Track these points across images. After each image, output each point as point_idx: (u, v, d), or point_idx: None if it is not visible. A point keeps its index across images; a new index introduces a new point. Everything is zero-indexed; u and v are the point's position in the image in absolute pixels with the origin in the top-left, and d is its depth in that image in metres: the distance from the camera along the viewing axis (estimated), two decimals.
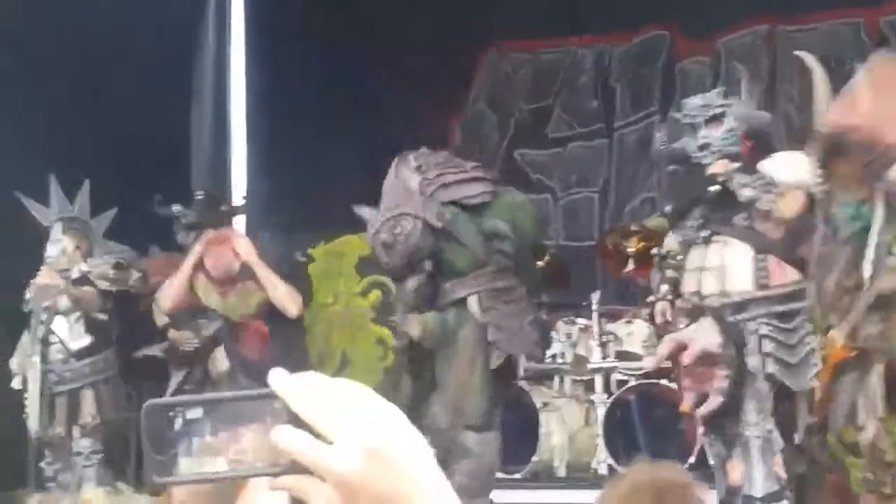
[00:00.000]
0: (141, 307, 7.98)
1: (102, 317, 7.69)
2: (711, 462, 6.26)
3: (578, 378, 8.99)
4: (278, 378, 1.10)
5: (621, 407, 8.73)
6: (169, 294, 7.55)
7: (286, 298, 7.43)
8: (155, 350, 8.17)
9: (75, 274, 7.66)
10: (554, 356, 9.06)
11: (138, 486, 7.29)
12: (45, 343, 7.59)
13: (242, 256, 7.49)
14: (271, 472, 1.09)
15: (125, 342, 7.91)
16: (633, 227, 9.33)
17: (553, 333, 9.08)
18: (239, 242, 7.63)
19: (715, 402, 5.86)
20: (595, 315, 8.90)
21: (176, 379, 7.64)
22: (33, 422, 7.55)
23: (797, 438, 5.92)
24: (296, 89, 10.47)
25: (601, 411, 8.61)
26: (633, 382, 8.66)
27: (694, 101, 6.24)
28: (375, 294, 11.03)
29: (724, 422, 6.00)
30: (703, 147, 6.07)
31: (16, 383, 7.76)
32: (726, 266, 5.99)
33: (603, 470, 8.43)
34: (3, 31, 8.64)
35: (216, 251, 7.52)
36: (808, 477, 6.51)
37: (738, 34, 10.85)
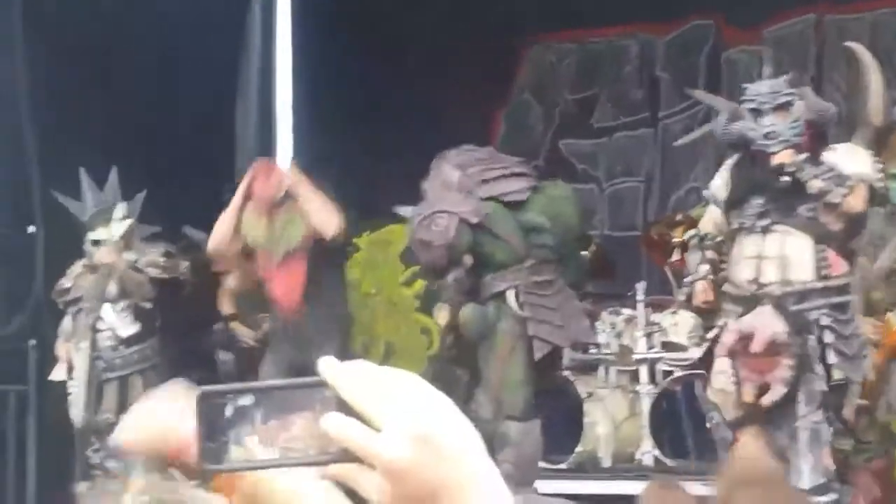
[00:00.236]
0: (200, 293, 8.03)
1: (148, 305, 7.74)
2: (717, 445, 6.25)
3: (623, 368, 8.96)
4: (328, 366, 1.10)
5: (667, 398, 8.70)
6: (218, 232, 7.46)
7: (325, 216, 7.23)
8: (227, 358, 8.25)
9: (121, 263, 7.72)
10: (599, 346, 9.04)
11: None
12: (94, 330, 7.66)
13: (289, 178, 7.42)
14: (322, 461, 1.10)
15: (171, 330, 7.97)
16: (678, 217, 9.29)
17: (598, 324, 9.06)
18: (285, 166, 7.60)
19: (778, 391, 5.82)
20: (640, 305, 8.86)
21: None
22: (78, 409, 7.62)
23: (846, 420, 5.92)
24: (341, 83, 10.48)
25: (646, 402, 8.58)
26: (678, 373, 8.62)
27: (760, 87, 6.13)
28: (420, 283, 11.03)
29: (778, 412, 5.97)
30: (769, 135, 5.98)
31: (59, 373, 7.81)
32: (788, 256, 5.96)
33: (648, 461, 8.41)
34: (52, 28, 8.72)
35: (263, 177, 7.47)
36: (853, 460, 6.50)
37: (786, 23, 10.77)
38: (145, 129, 9.05)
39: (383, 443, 1.08)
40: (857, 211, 5.90)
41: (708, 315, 6.52)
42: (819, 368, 5.87)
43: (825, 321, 5.90)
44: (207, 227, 7.68)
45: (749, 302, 5.99)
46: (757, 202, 6.03)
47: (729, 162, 6.33)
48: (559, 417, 8.28)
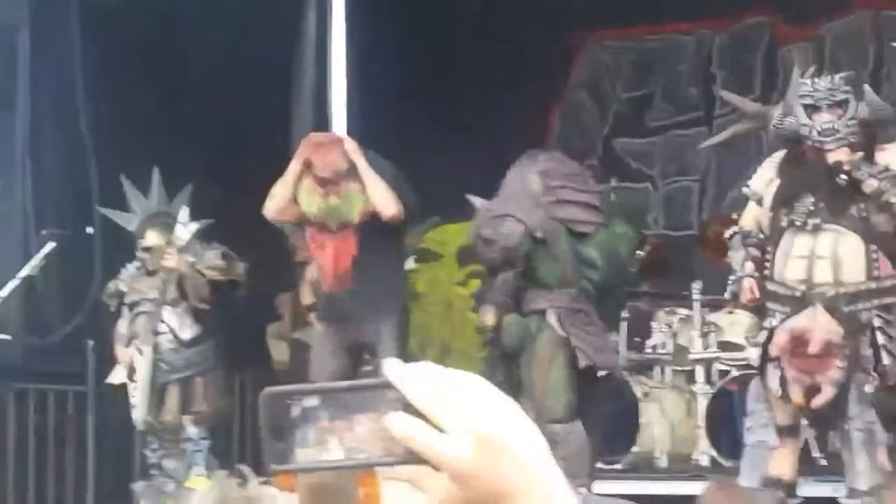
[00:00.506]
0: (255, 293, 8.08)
1: (206, 307, 7.80)
2: (747, 448, 6.21)
3: (679, 368, 8.92)
4: (394, 368, 1.10)
5: (723, 398, 8.65)
6: (273, 202, 7.38)
7: (386, 197, 7.20)
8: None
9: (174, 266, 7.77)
10: (654, 346, 9.00)
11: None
12: (155, 333, 7.73)
13: (349, 154, 7.39)
14: (387, 462, 1.10)
15: (229, 331, 8.02)
16: (734, 216, 9.22)
17: (653, 323, 9.03)
18: (345, 142, 7.56)
19: (829, 393, 5.76)
20: (696, 305, 8.81)
21: None
22: (140, 411, 7.68)
23: None
24: (396, 81, 10.50)
25: (702, 402, 8.53)
26: (735, 373, 8.56)
27: (819, 83, 6.08)
28: (475, 283, 11.02)
29: (828, 413, 5.92)
30: (826, 132, 5.92)
31: (118, 375, 7.88)
32: (840, 255, 5.88)
33: (705, 462, 8.36)
34: (109, 27, 8.80)
35: (323, 150, 7.41)
36: None
37: (843, 20, 10.69)
38: (200, 122, 9.13)
39: (449, 445, 1.08)
40: None
41: (759, 313, 6.47)
42: (870, 369, 5.82)
43: (877, 322, 5.85)
44: (260, 224, 7.66)
45: (797, 302, 5.91)
46: (808, 200, 5.94)
47: (773, 159, 6.25)
48: (615, 417, 8.25)
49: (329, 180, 7.28)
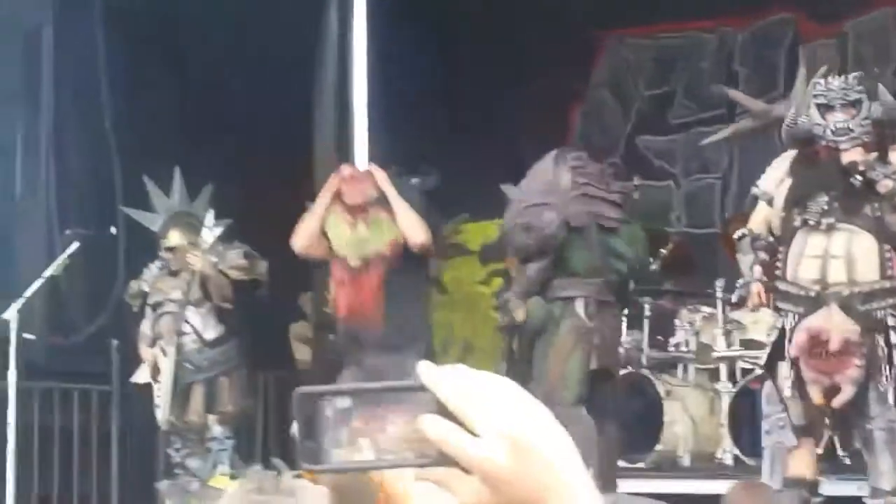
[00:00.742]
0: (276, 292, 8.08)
1: (229, 306, 7.81)
2: (766, 450, 6.20)
3: (703, 367, 8.90)
4: (427, 370, 1.10)
5: (747, 396, 8.62)
6: (303, 232, 7.43)
7: (415, 225, 7.30)
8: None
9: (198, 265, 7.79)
10: (677, 345, 8.98)
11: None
12: (179, 334, 7.75)
13: (379, 183, 7.43)
14: (419, 464, 1.10)
15: (251, 330, 8.03)
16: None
17: (676, 321, 9.01)
18: (374, 172, 7.59)
19: (849, 392, 5.74)
20: (719, 303, 8.79)
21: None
22: (164, 411, 7.70)
23: None
24: (417, 79, 10.50)
25: (726, 400, 8.51)
26: (758, 371, 8.53)
27: (832, 83, 6.06)
28: (497, 282, 11.02)
29: (850, 413, 5.90)
30: (840, 132, 5.90)
31: (142, 375, 7.90)
32: (854, 255, 5.86)
33: (728, 460, 8.34)
34: (131, 27, 8.82)
35: (353, 181, 7.46)
36: None
37: (866, 16, 10.64)
38: (221, 121, 9.14)
39: (481, 448, 1.08)
40: None
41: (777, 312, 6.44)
42: (886, 368, 5.79)
43: (892, 321, 5.83)
44: (281, 222, 7.67)
45: (811, 302, 5.88)
46: (822, 199, 5.91)
47: (782, 159, 6.23)
48: (638, 415, 8.24)
49: (358, 208, 7.34)
